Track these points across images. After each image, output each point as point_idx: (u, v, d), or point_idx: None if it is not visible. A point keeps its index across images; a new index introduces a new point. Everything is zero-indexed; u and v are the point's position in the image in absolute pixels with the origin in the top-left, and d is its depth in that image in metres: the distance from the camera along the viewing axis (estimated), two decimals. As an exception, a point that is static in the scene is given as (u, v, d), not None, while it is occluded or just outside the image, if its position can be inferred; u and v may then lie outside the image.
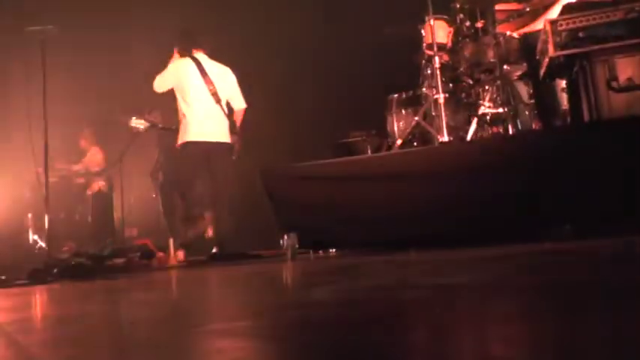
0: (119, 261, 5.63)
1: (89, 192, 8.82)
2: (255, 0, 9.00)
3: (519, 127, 5.59)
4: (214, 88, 6.11)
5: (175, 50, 6.35)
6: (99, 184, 8.89)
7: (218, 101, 6.14)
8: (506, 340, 1.23)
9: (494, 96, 5.63)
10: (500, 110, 5.52)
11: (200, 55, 6.23)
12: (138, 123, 6.66)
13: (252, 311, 2.07)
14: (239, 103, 6.37)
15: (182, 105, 6.13)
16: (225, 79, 6.30)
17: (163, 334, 1.73)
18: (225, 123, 6.19)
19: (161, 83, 6.19)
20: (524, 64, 5.65)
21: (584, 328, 1.24)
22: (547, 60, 4.58)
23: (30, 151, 6.11)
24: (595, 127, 4.22)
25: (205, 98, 6.09)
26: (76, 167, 9.00)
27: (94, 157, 9.09)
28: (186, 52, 6.23)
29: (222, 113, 6.18)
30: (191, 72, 6.09)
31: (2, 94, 8.18)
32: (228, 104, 6.29)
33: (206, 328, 1.75)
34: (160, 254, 6.14)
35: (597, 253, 2.92)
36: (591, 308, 1.48)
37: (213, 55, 6.43)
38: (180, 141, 6.12)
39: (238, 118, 6.38)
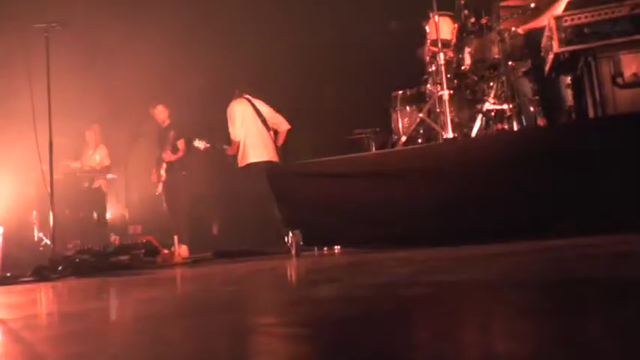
0: (124, 258, 5.63)
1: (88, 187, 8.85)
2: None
3: (524, 123, 5.56)
4: (265, 119, 7.52)
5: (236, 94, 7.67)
6: (99, 182, 8.90)
7: (268, 130, 7.51)
8: (510, 337, 1.22)
9: (499, 92, 5.60)
10: (505, 107, 5.49)
11: (250, 98, 7.60)
12: (200, 143, 7.79)
13: (255, 308, 2.07)
14: (285, 126, 7.64)
15: (242, 134, 7.42)
16: (269, 112, 7.61)
17: (169, 330, 1.73)
18: (272, 146, 7.51)
19: (237, 131, 7.45)
20: (529, 61, 5.62)
21: (588, 326, 1.24)
22: (552, 56, 4.56)
23: (35, 149, 6.11)
24: (600, 123, 4.21)
25: (259, 128, 7.47)
26: (81, 164, 9.01)
27: (102, 154, 9.11)
28: (242, 96, 7.61)
29: (270, 139, 7.52)
30: (248, 109, 7.51)
31: (6, 92, 8.18)
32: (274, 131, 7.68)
33: (210, 325, 1.75)
34: (165, 251, 6.14)
35: (601, 250, 2.91)
36: (595, 306, 1.47)
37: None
38: (242, 163, 7.41)
39: (281, 138, 7.66)
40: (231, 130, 7.47)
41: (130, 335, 1.70)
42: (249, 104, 7.55)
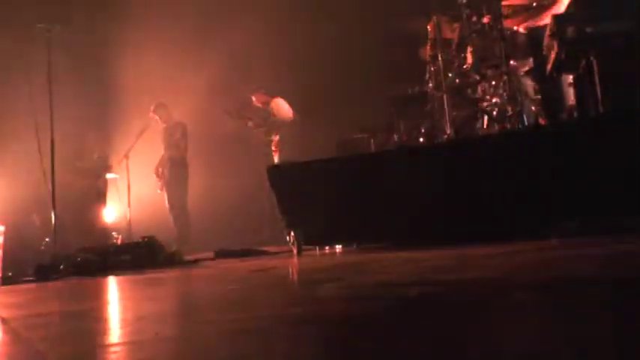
0: (125, 257, 5.63)
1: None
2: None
3: (525, 122, 5.56)
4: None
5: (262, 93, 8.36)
6: (99, 182, 8.90)
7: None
8: (513, 337, 1.22)
9: (501, 92, 5.60)
10: (507, 106, 5.49)
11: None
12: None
13: (258, 307, 2.07)
14: None
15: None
16: None
17: (171, 329, 1.73)
18: None
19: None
20: (531, 60, 5.62)
21: (593, 325, 1.24)
22: (553, 55, 4.55)
23: (37, 148, 6.12)
24: (602, 121, 4.20)
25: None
26: (82, 163, 9.01)
27: (103, 154, 9.10)
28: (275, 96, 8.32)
29: None
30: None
31: (9, 91, 8.19)
32: None
33: (214, 323, 1.75)
34: (167, 250, 6.14)
35: (603, 249, 2.91)
36: (599, 305, 1.47)
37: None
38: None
39: None
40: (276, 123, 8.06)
41: (131, 334, 1.70)
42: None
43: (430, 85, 6.37)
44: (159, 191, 8.54)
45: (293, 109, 8.15)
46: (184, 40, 8.98)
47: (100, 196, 8.82)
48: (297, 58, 8.75)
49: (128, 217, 8.44)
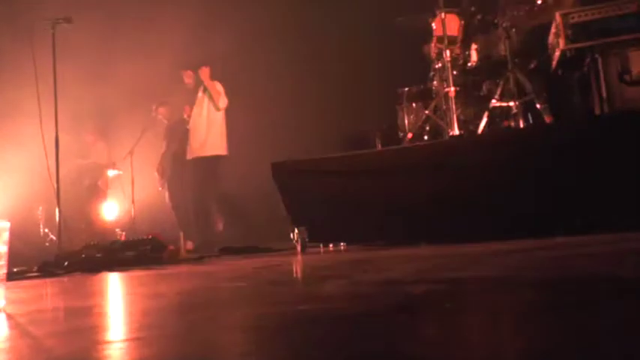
0: (130, 254, 5.64)
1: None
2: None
3: (530, 120, 5.55)
4: None
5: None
6: (99, 179, 8.94)
7: None
8: (516, 336, 1.22)
9: (505, 90, 5.59)
10: (511, 104, 5.49)
11: None
12: None
13: (261, 305, 2.08)
14: None
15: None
16: None
17: (176, 326, 1.74)
18: None
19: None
20: (535, 58, 5.61)
21: (597, 324, 1.24)
22: (558, 53, 4.55)
23: (41, 144, 6.12)
24: (607, 120, 4.20)
25: None
26: (86, 161, 9.04)
27: (102, 151, 9.12)
28: None
29: None
30: None
31: (13, 87, 8.20)
32: None
33: (220, 320, 1.76)
34: (171, 247, 6.14)
35: (605, 248, 2.91)
36: (604, 304, 1.47)
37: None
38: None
39: None
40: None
41: (137, 330, 1.71)
42: None
43: (435, 82, 6.36)
44: (160, 188, 8.55)
45: (295, 107, 8.09)
46: (190, 36, 8.99)
47: (101, 194, 8.85)
48: (301, 54, 8.75)
49: (132, 214, 8.45)
